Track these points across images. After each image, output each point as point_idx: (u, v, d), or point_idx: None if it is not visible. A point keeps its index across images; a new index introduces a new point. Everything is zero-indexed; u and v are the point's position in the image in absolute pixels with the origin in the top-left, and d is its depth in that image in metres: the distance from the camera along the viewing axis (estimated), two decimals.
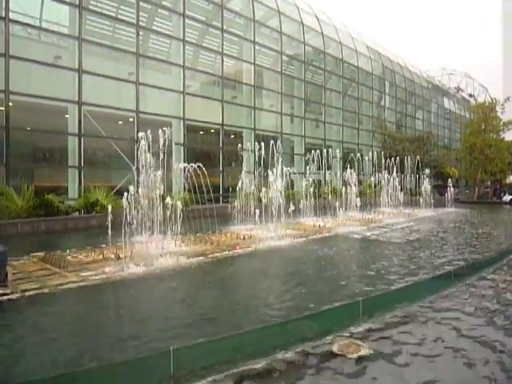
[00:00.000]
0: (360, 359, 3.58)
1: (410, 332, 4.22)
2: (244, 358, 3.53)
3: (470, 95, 53.88)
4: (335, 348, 3.75)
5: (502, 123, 36.67)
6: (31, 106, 14.92)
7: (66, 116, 15.77)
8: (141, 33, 18.30)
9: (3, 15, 13.62)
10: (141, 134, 9.63)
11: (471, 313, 4.86)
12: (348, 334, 4.11)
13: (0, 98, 13.45)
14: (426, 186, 23.35)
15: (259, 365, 3.45)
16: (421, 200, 22.70)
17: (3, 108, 13.57)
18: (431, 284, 5.93)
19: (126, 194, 8.26)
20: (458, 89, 53.06)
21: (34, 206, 12.68)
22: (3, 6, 13.60)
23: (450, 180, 27.11)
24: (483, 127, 35.80)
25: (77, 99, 15.40)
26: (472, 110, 39.49)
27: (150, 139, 9.68)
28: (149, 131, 9.84)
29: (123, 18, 18.51)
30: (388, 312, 4.76)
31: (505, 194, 39.45)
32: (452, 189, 25.83)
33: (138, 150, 9.62)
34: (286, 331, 4.01)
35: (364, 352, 3.69)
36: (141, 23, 18.17)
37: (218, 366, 3.38)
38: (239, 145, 16.61)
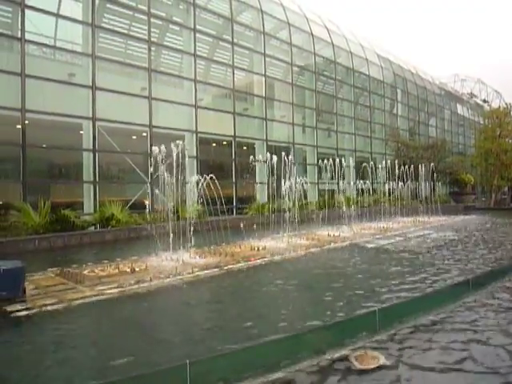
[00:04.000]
0: (377, 369, 3.50)
1: (428, 341, 4.11)
2: (260, 370, 3.47)
3: (484, 101, 53.26)
4: (353, 359, 3.68)
5: None
6: (46, 124, 15.22)
7: (81, 132, 16.05)
8: (152, 48, 18.61)
9: (19, 36, 14.02)
10: (155, 148, 9.71)
11: (489, 322, 4.73)
12: (364, 345, 4.03)
13: (16, 117, 13.76)
14: (442, 193, 23.01)
15: (276, 377, 3.39)
16: (437, 207, 22.37)
17: (20, 126, 13.88)
18: (448, 293, 5.79)
19: (141, 208, 8.30)
20: (472, 95, 52.53)
21: (51, 222, 12.84)
22: (19, 27, 14.01)
23: (466, 187, 26.72)
24: (498, 133, 35.32)
25: (91, 115, 15.68)
26: (486, 115, 39.05)
27: (164, 153, 9.76)
28: (162, 145, 9.94)
29: (135, 34, 18.88)
30: (405, 322, 4.66)
31: None
32: (468, 195, 25.44)
33: (151, 164, 9.70)
34: (302, 342, 3.95)
35: (381, 362, 3.62)
36: (152, 39, 18.50)
37: (235, 379, 3.33)
38: (251, 156, 16.65)
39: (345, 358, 3.72)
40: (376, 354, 3.80)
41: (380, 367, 3.56)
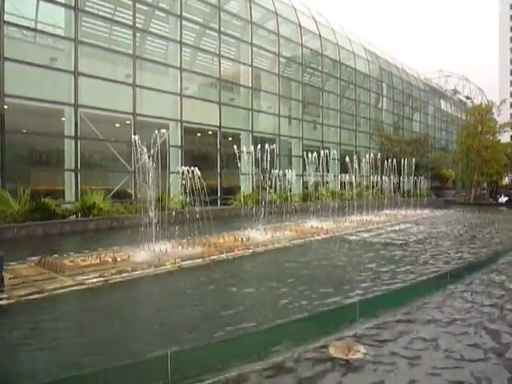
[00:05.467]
0: (356, 361, 3.55)
1: (405, 333, 4.18)
2: (240, 361, 3.48)
3: (467, 97, 54.09)
4: (332, 350, 3.72)
5: (498, 125, 36.84)
6: (27, 109, 14.85)
7: (63, 119, 15.71)
8: (137, 34, 18.28)
9: None
10: (136, 137, 9.53)
11: (468, 313, 4.84)
12: (344, 336, 4.08)
13: None
14: (423, 187, 23.40)
15: (257, 368, 3.40)
16: (418, 202, 22.72)
17: None
18: (427, 285, 5.92)
19: (124, 198, 8.18)
20: (455, 91, 53.26)
21: (31, 210, 12.58)
22: None
23: (447, 182, 27.23)
24: (479, 129, 35.91)
25: (73, 102, 15.35)
26: (468, 112, 39.63)
27: (147, 142, 9.61)
28: (146, 134, 9.79)
29: (120, 19, 18.46)
30: (385, 313, 4.73)
31: (501, 196, 39.65)
32: (449, 190, 25.93)
33: (135, 152, 9.54)
34: (282, 333, 3.98)
35: (360, 354, 3.67)
36: (137, 25, 18.13)
37: (215, 369, 3.33)
38: (235, 147, 16.58)
39: (324, 349, 3.76)
40: (355, 345, 3.85)
41: (359, 357, 3.61)
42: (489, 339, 4.09)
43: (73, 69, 15.37)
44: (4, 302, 5.19)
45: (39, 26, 16.20)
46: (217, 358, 3.49)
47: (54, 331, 4.45)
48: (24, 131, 15.78)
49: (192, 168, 9.99)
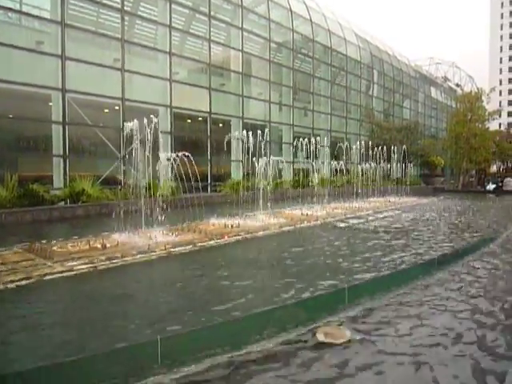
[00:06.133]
0: (345, 345, 3.63)
1: (393, 318, 4.27)
2: (229, 346, 3.52)
3: (457, 85, 54.24)
4: (320, 335, 3.78)
5: (487, 113, 37.13)
6: (13, 93, 14.57)
7: (50, 104, 15.44)
8: (126, 18, 17.91)
9: None
10: (126, 124, 9.44)
11: (454, 298, 4.95)
12: (333, 321, 4.15)
13: None
14: (413, 174, 23.63)
15: (246, 353, 3.45)
16: (407, 189, 22.93)
17: None
18: (415, 271, 6.02)
19: (113, 184, 8.11)
20: (446, 78, 53.37)
21: (19, 196, 12.44)
22: None
23: (436, 169, 27.50)
24: (469, 117, 36.18)
25: (60, 86, 15.08)
26: (458, 99, 39.84)
27: (137, 127, 9.52)
28: (135, 119, 9.69)
29: (108, 2, 18.00)
30: (373, 299, 4.82)
31: (489, 183, 40.16)
32: (438, 178, 26.22)
33: (123, 138, 9.45)
34: (271, 318, 4.02)
35: (348, 338, 3.74)
36: (126, 8, 17.78)
37: (205, 355, 3.37)
38: (227, 134, 16.53)
39: (313, 334, 3.82)
40: (343, 330, 3.92)
41: (347, 342, 3.68)
42: None
43: (60, 53, 15.06)
44: None
45: (24, 8, 15.80)
46: (206, 344, 3.52)
47: (41, 314, 4.45)
48: (10, 116, 15.50)
49: (182, 154, 9.94)
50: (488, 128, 38.50)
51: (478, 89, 39.04)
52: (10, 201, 12.20)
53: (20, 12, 15.65)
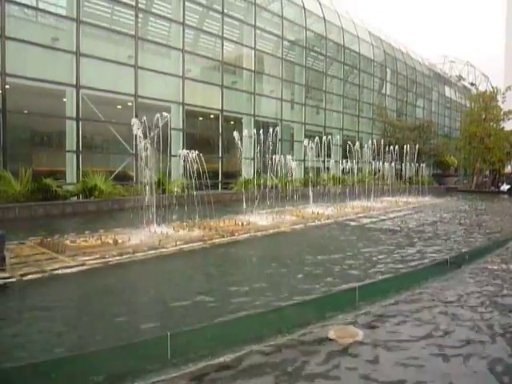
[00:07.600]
0: (354, 344, 3.61)
1: (403, 318, 4.23)
2: (240, 343, 3.53)
3: (472, 84, 53.43)
4: (331, 334, 3.77)
5: (502, 112, 36.47)
6: (28, 89, 14.75)
7: (64, 99, 15.61)
8: (140, 15, 18.02)
9: None
10: (135, 120, 9.44)
11: (464, 299, 4.89)
12: (344, 320, 4.13)
13: None
14: (425, 174, 23.37)
15: (256, 350, 3.45)
16: (420, 188, 22.70)
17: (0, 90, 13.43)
18: (426, 272, 5.95)
19: (125, 180, 8.18)
20: (460, 77, 52.59)
21: (32, 191, 12.63)
22: None
23: (449, 169, 27.15)
24: (483, 116, 35.61)
25: (75, 82, 15.24)
26: (473, 98, 39.23)
27: (149, 124, 9.57)
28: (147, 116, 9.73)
29: None
30: (383, 299, 4.78)
31: (503, 184, 39.52)
32: (451, 177, 25.90)
33: (136, 135, 9.49)
34: (282, 317, 4.02)
35: (359, 337, 3.72)
36: (140, 5, 17.87)
37: (215, 351, 3.38)
38: (235, 131, 16.52)
39: (324, 334, 3.80)
40: (354, 330, 3.90)
41: (358, 342, 3.65)
42: None
43: (74, 49, 15.22)
44: (5, 280, 5.24)
45: (41, 5, 15.99)
46: (216, 340, 3.53)
47: (52, 309, 4.51)
48: (25, 112, 15.71)
49: (193, 151, 9.98)
50: (503, 128, 37.85)
51: (493, 88, 38.36)
52: (24, 195, 12.38)
53: (37, 9, 15.84)
